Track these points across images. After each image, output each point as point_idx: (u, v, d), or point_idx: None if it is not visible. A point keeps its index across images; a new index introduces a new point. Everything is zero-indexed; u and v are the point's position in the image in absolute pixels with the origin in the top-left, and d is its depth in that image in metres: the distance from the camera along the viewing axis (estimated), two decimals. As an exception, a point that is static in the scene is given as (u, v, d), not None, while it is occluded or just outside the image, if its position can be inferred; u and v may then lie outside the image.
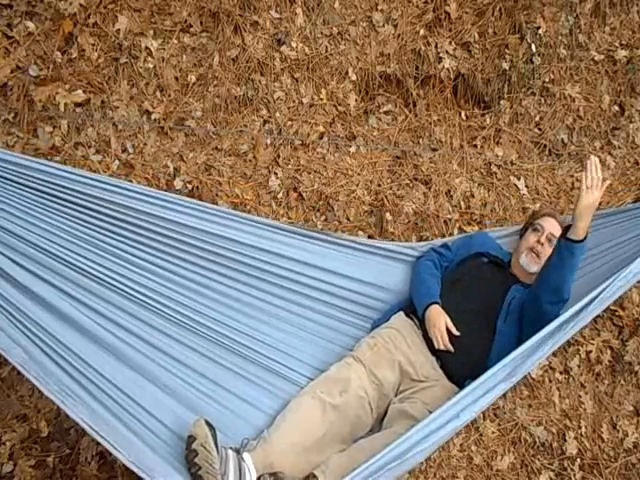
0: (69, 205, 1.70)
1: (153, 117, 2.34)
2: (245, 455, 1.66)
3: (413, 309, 2.03)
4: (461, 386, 1.88)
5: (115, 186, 1.73)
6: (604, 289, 1.67)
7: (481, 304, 1.97)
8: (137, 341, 1.76)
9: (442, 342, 1.88)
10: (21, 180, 1.62)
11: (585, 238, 1.78)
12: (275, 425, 1.78)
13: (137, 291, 1.79)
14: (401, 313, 2.05)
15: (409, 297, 2.09)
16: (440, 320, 1.90)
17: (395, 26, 2.64)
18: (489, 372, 1.59)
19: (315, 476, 1.67)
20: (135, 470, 1.33)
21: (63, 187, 1.67)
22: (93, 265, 1.74)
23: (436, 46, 2.67)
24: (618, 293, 1.73)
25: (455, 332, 1.89)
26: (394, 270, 2.16)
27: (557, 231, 2.03)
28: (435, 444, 1.56)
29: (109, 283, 1.75)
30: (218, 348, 1.88)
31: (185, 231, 1.83)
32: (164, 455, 1.57)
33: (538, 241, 2.04)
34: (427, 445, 1.51)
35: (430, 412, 1.65)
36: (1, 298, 1.51)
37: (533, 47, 2.72)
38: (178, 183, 2.29)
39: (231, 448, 1.66)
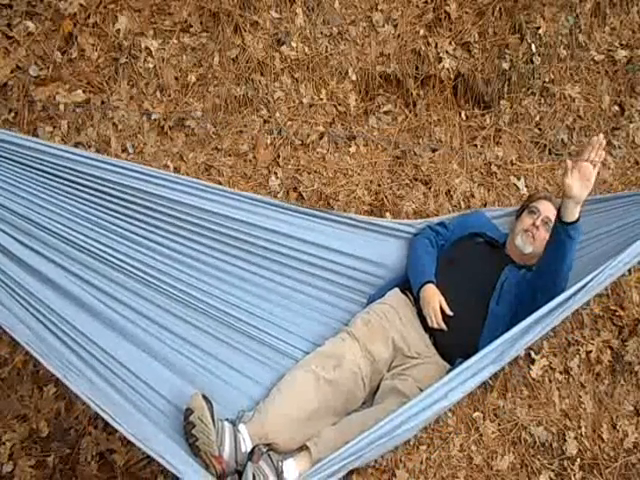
0: (73, 185, 1.72)
1: (153, 117, 2.34)
2: (241, 427, 1.72)
3: (409, 285, 2.06)
4: (453, 364, 1.94)
5: (120, 167, 1.74)
6: (594, 277, 1.68)
7: (475, 284, 2.00)
8: (137, 316, 1.80)
9: (436, 321, 1.93)
10: (23, 160, 1.64)
11: (579, 219, 1.78)
12: (270, 397, 1.82)
13: (137, 268, 1.82)
14: (396, 289, 2.08)
15: (405, 273, 2.12)
16: (434, 299, 1.94)
17: (395, 26, 2.64)
18: (477, 355, 1.64)
19: (308, 448, 1.73)
20: (134, 441, 1.35)
21: (68, 168, 1.69)
22: (95, 244, 1.77)
23: (436, 46, 2.67)
24: (608, 281, 1.75)
25: (448, 312, 1.93)
26: (391, 247, 2.19)
27: (552, 214, 2.04)
28: (423, 422, 1.64)
29: (111, 261, 1.79)
30: (215, 323, 1.92)
31: (185, 209, 1.86)
32: (163, 426, 1.64)
33: (533, 224, 2.07)
34: (415, 423, 1.57)
35: (421, 390, 1.74)
36: (6, 276, 1.55)
37: (533, 47, 2.72)
38: (178, 183, 2.29)
39: (227, 420, 1.73)
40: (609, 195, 2.25)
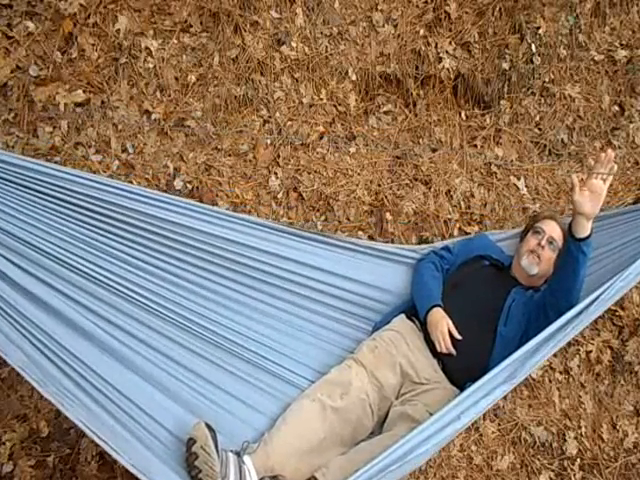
0: (68, 206, 1.70)
1: (153, 117, 2.34)
2: (246, 458, 1.66)
3: (414, 311, 2.02)
4: (462, 389, 1.88)
5: (114, 187, 1.72)
6: (604, 290, 1.66)
7: (482, 307, 1.97)
8: (137, 343, 1.75)
9: (444, 345, 1.88)
10: (19, 181, 1.62)
11: (591, 234, 1.78)
12: (276, 428, 1.77)
13: (137, 293, 1.78)
14: (402, 315, 2.04)
15: (410, 299, 2.08)
16: (442, 323, 1.90)
17: (395, 26, 2.64)
18: (489, 374, 1.59)
19: (316, 479, 1.68)
20: (135, 473, 1.32)
21: (62, 188, 1.66)
22: (92, 267, 1.73)
23: (436, 46, 2.67)
24: (618, 294, 1.72)
25: (457, 336, 1.89)
26: (395, 272, 2.16)
27: (557, 234, 2.04)
28: (436, 446, 1.55)
29: (109, 285, 1.75)
30: (217, 350, 1.88)
31: (186, 232, 1.83)
32: (164, 458, 1.56)
33: (539, 244, 2.03)
34: (428, 447, 1.50)
35: (431, 414, 1.65)
36: (0, 300, 1.50)
37: (533, 47, 2.72)
38: (178, 183, 2.29)
39: (232, 451, 1.66)
40: (614, 211, 2.23)
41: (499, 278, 2.07)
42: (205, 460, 1.52)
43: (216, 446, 1.56)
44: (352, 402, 1.81)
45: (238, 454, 1.66)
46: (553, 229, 2.06)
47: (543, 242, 2.04)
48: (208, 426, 1.58)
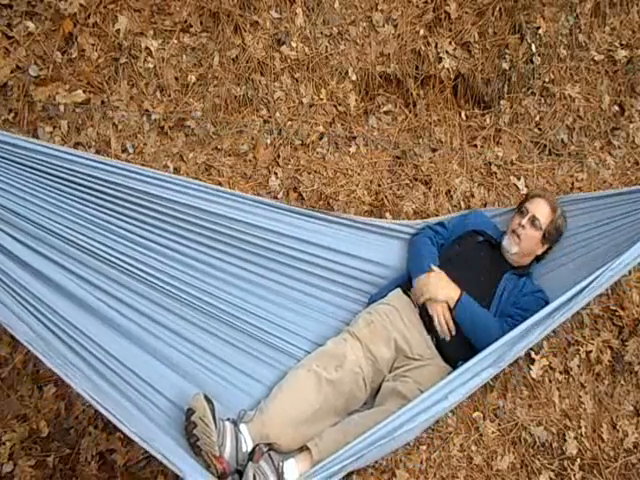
0: (72, 185, 1.72)
1: (153, 117, 2.34)
2: (242, 426, 1.73)
3: (410, 286, 2.06)
4: (454, 367, 1.93)
5: (119, 168, 1.74)
6: (595, 279, 1.68)
7: (476, 286, 2.01)
8: (139, 316, 1.80)
9: (448, 330, 1.94)
10: (23, 161, 1.64)
11: (461, 294, 1.93)
12: (271, 397, 1.83)
13: (139, 269, 1.82)
14: (399, 289, 2.08)
15: (406, 273, 2.12)
16: (439, 310, 1.95)
17: (395, 26, 2.64)
18: (477, 357, 1.64)
19: (308, 448, 1.74)
20: (138, 441, 1.36)
21: (66, 168, 1.68)
22: (96, 244, 1.76)
23: (436, 46, 2.67)
24: (608, 283, 1.76)
25: (452, 330, 1.95)
26: (391, 247, 2.20)
27: (543, 212, 2.08)
28: (423, 423, 1.64)
29: (113, 262, 1.79)
30: (217, 322, 1.93)
31: (188, 211, 1.86)
32: (165, 426, 1.65)
33: (519, 223, 2.08)
34: (416, 424, 1.58)
35: (422, 391, 1.73)
36: (6, 276, 1.54)
37: (533, 47, 2.72)
38: (178, 183, 2.29)
39: (228, 419, 1.73)
40: (610, 192, 2.24)
41: (493, 258, 2.12)
42: (203, 430, 1.60)
43: (213, 416, 1.64)
44: (346, 375, 1.86)
45: (235, 422, 1.74)
46: (538, 207, 2.10)
47: (524, 222, 2.08)
48: (206, 397, 1.67)
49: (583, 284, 1.67)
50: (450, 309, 1.95)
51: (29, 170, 1.66)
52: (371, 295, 2.13)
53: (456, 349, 1.94)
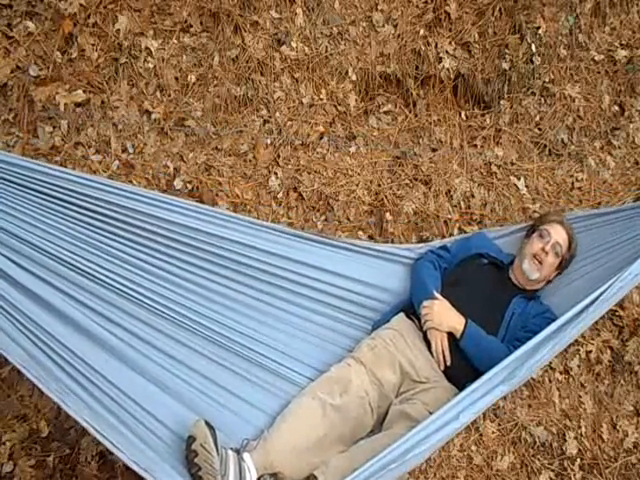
0: (68, 206, 1.70)
1: (153, 117, 2.33)
2: (245, 455, 1.66)
3: (413, 310, 2.03)
4: (461, 388, 1.86)
5: (114, 187, 1.73)
6: (604, 291, 1.65)
7: (482, 310, 1.97)
8: (137, 342, 1.76)
9: (443, 361, 1.92)
10: (20, 181, 1.62)
11: (466, 325, 1.90)
12: (275, 425, 1.78)
13: (137, 292, 1.79)
14: (402, 314, 2.05)
15: (409, 298, 2.09)
16: (438, 339, 1.92)
17: (395, 26, 2.64)
18: (488, 374, 1.59)
19: (315, 477, 1.68)
20: (136, 469, 1.33)
21: (62, 188, 1.67)
22: (93, 266, 1.74)
23: (436, 46, 2.67)
24: (618, 295, 1.71)
25: (448, 362, 1.93)
26: (393, 271, 2.17)
27: (563, 240, 2.04)
28: (435, 445, 1.56)
29: (109, 284, 1.75)
30: (218, 349, 1.88)
31: (186, 232, 1.83)
32: (165, 455, 1.57)
33: (543, 249, 2.04)
34: (427, 446, 1.50)
35: (430, 413, 1.67)
36: (2, 299, 1.52)
37: (533, 47, 2.72)
38: (178, 183, 2.29)
39: (231, 448, 1.67)
40: (612, 208, 2.24)
41: (499, 281, 2.08)
42: (205, 458, 1.53)
43: (215, 444, 1.56)
44: (352, 400, 1.81)
45: (238, 451, 1.67)
46: (559, 234, 2.07)
47: (547, 247, 2.04)
48: (207, 424, 1.59)
49: (593, 296, 1.64)
50: (454, 336, 1.91)
51: (26, 191, 1.64)
52: (374, 321, 2.09)
53: (463, 372, 1.88)
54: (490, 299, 2.01)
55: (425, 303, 1.97)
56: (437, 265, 2.13)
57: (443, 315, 1.93)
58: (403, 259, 2.19)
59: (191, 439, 1.57)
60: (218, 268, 1.90)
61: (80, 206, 1.71)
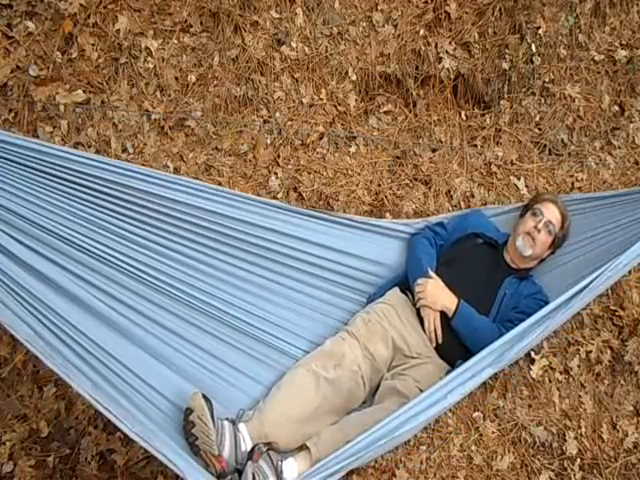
0: (73, 185, 1.72)
1: (153, 117, 2.34)
2: (240, 426, 1.73)
3: (408, 285, 2.07)
4: (453, 365, 1.95)
5: (118, 167, 1.74)
6: (594, 279, 1.68)
7: (476, 290, 2.02)
8: (138, 316, 1.81)
9: (435, 338, 1.96)
10: (23, 161, 1.64)
11: (458, 305, 1.93)
12: (270, 396, 1.83)
13: (137, 268, 1.82)
14: (396, 289, 2.09)
15: (404, 273, 2.13)
16: (431, 317, 1.96)
17: (395, 26, 2.64)
18: (477, 357, 1.65)
19: (307, 447, 1.74)
20: (137, 440, 1.36)
21: (66, 168, 1.68)
22: (96, 244, 1.77)
23: (436, 46, 2.67)
24: (608, 283, 1.76)
25: (439, 339, 1.97)
26: (390, 246, 2.20)
27: (556, 219, 2.08)
28: (423, 423, 1.65)
29: (112, 262, 1.79)
30: (215, 322, 1.93)
31: (186, 210, 1.86)
32: (164, 426, 1.65)
33: (535, 226, 2.08)
34: (415, 424, 1.58)
35: (421, 390, 1.76)
36: (6, 276, 1.55)
37: (533, 47, 2.72)
38: (178, 183, 2.29)
39: (227, 419, 1.73)
40: (609, 193, 2.25)
41: (493, 260, 2.12)
42: (201, 429, 1.61)
43: (212, 415, 1.64)
44: (345, 374, 1.87)
45: (233, 422, 1.74)
46: (552, 213, 2.10)
47: (540, 225, 2.07)
48: (205, 397, 1.67)
49: (583, 284, 1.68)
50: (446, 315, 1.96)
51: (29, 170, 1.66)
52: (369, 295, 2.14)
53: (455, 349, 1.95)
54: (483, 280, 2.05)
55: (419, 281, 2.01)
56: (433, 242, 2.16)
57: (436, 294, 1.97)
58: (400, 234, 2.22)
59: (189, 411, 1.65)
60: (217, 244, 1.93)
61: (84, 185, 1.73)
